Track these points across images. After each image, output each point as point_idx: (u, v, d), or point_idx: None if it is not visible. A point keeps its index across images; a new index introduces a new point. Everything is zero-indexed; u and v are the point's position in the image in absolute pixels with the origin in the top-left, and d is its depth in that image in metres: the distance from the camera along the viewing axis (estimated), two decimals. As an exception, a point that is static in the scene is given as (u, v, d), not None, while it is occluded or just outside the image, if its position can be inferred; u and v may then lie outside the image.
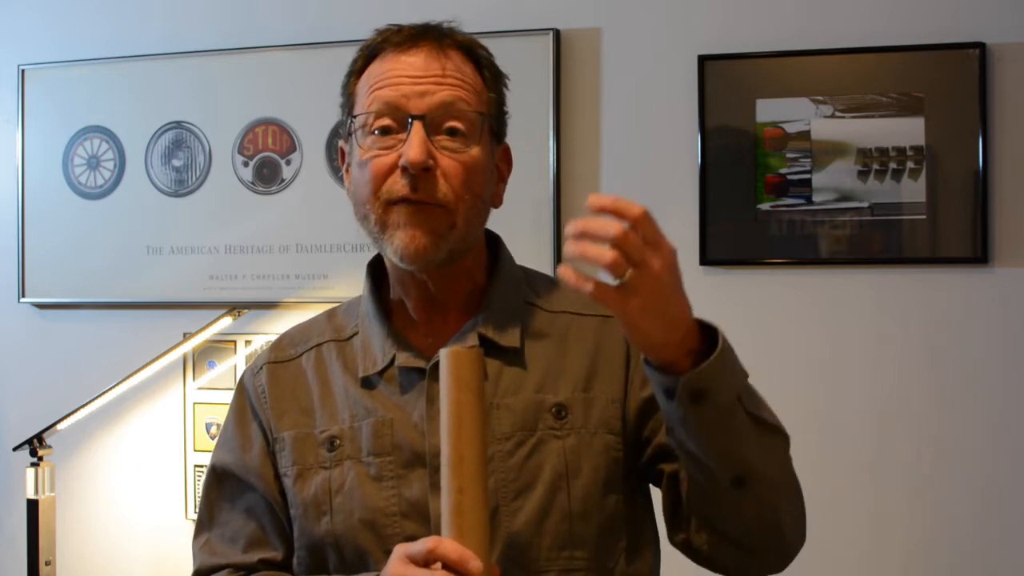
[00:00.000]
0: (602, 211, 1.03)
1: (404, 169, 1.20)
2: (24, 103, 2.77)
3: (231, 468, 1.33)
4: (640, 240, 1.02)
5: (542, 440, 1.24)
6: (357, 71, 1.29)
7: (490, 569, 1.09)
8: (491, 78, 1.29)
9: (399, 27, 1.27)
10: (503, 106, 1.31)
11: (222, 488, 1.34)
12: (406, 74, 1.23)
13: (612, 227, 1.01)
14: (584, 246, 1.02)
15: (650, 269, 1.02)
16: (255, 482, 1.31)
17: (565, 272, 1.02)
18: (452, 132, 1.22)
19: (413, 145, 1.19)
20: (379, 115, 1.23)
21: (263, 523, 1.31)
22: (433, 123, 1.21)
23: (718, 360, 1.07)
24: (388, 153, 1.22)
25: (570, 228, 1.03)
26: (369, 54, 1.27)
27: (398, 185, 1.21)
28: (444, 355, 1.11)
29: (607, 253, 1.01)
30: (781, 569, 1.25)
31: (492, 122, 1.28)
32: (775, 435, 1.20)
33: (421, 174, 1.20)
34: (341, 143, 1.33)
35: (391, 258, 1.24)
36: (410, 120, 1.21)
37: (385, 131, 1.23)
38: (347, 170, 1.30)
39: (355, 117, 1.26)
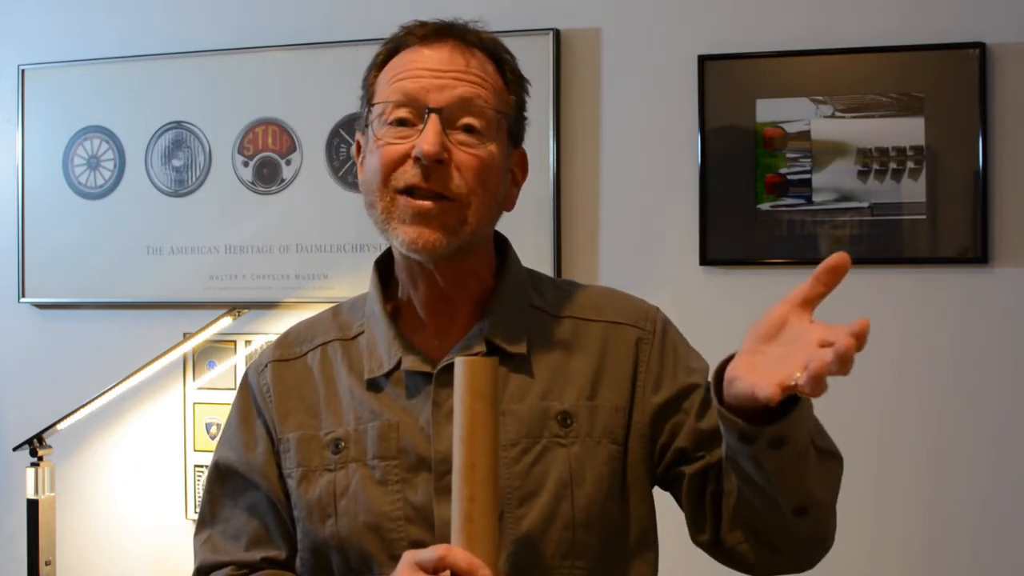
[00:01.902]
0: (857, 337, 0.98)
1: (417, 159, 1.19)
2: (24, 103, 2.77)
3: (234, 466, 1.32)
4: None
5: (547, 448, 1.24)
6: (378, 64, 1.28)
7: None
8: (513, 81, 1.28)
9: (423, 22, 1.27)
10: (522, 110, 1.31)
11: (225, 485, 1.33)
12: (427, 67, 1.23)
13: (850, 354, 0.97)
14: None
15: None
16: (259, 481, 1.31)
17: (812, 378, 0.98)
18: (469, 129, 1.22)
19: (428, 136, 1.19)
20: (398, 105, 1.22)
21: (266, 521, 1.31)
22: (450, 118, 1.21)
23: (800, 409, 1.07)
24: (402, 142, 1.21)
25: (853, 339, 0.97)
26: (392, 48, 1.27)
27: (409, 174, 1.20)
28: (460, 364, 1.11)
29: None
30: (812, 567, 1.28)
31: (510, 123, 1.27)
32: (836, 462, 1.23)
33: (434, 166, 1.19)
34: (358, 135, 1.32)
35: (398, 248, 1.24)
36: (427, 112, 1.20)
37: (402, 122, 1.22)
38: (362, 163, 1.29)
39: (374, 106, 1.25)
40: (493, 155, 1.23)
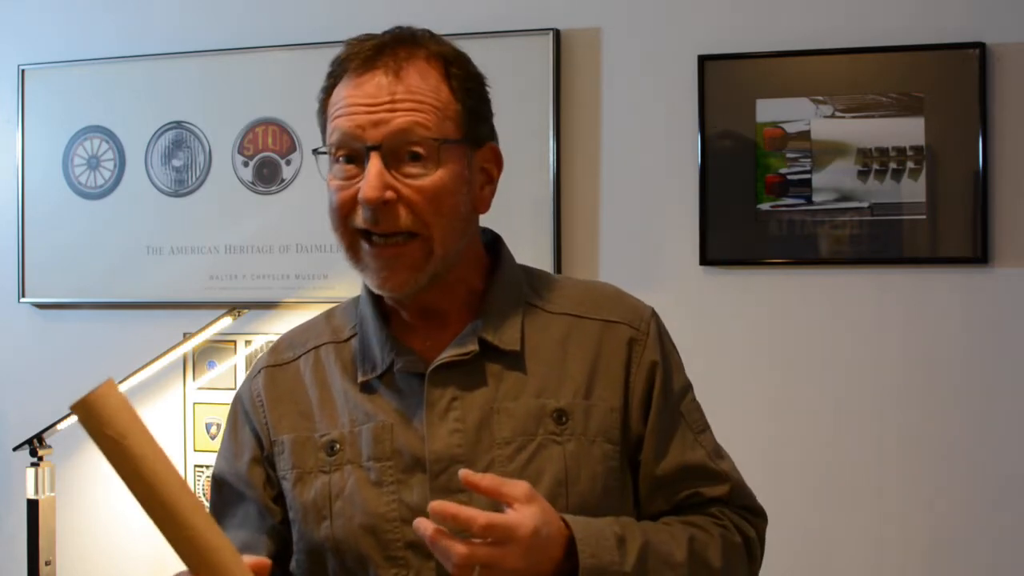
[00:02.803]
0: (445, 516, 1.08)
1: (364, 203, 1.19)
2: (24, 103, 2.77)
3: (225, 476, 1.35)
4: (486, 550, 1.07)
5: (542, 445, 1.24)
6: (328, 88, 1.26)
7: None
8: (459, 87, 1.24)
9: (359, 46, 1.23)
10: (480, 108, 1.26)
11: (220, 496, 1.36)
12: (361, 102, 1.20)
13: (456, 549, 1.07)
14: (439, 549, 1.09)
15: (502, 565, 1.08)
16: (245, 490, 1.32)
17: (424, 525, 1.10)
18: (415, 156, 1.20)
19: (369, 181, 1.18)
20: (339, 147, 1.22)
21: (253, 530, 1.32)
22: (392, 151, 1.19)
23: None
24: (350, 185, 1.21)
25: (425, 532, 1.09)
26: (336, 73, 1.25)
27: (360, 218, 1.21)
28: (78, 410, 1.05)
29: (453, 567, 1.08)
30: None
31: (464, 132, 1.23)
32: None
33: (380, 207, 1.19)
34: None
35: (371, 288, 1.26)
36: (366, 152, 1.19)
37: (349, 159, 1.22)
38: None
39: (320, 149, 1.25)
40: (443, 179, 1.20)
